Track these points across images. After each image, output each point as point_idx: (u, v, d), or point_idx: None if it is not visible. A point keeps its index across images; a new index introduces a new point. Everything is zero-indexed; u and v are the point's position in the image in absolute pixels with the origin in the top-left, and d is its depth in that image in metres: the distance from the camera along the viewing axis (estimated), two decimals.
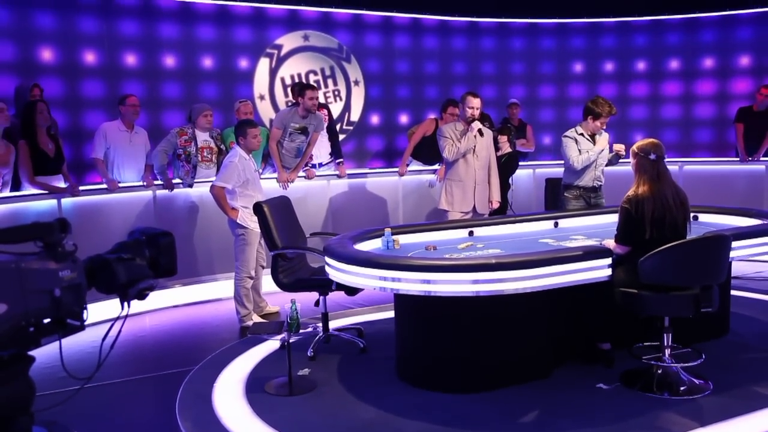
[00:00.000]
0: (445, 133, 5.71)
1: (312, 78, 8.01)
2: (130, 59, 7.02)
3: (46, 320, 1.56)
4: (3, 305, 1.46)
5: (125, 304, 1.72)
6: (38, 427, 1.65)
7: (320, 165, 7.07)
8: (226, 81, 7.59)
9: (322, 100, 7.53)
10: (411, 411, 3.59)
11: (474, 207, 5.74)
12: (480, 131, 5.68)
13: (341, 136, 7.79)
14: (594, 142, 5.34)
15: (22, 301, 1.48)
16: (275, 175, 6.52)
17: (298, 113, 6.39)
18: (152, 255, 1.78)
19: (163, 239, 1.81)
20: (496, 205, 5.90)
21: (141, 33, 7.05)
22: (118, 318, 1.72)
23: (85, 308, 1.62)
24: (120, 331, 1.73)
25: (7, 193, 5.45)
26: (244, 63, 7.72)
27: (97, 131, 6.07)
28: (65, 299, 1.55)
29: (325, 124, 6.94)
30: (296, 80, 7.79)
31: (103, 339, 1.75)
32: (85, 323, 1.63)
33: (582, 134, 5.35)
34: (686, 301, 3.62)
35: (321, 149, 7.04)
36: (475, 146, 5.67)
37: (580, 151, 5.30)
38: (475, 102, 5.63)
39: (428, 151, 7.14)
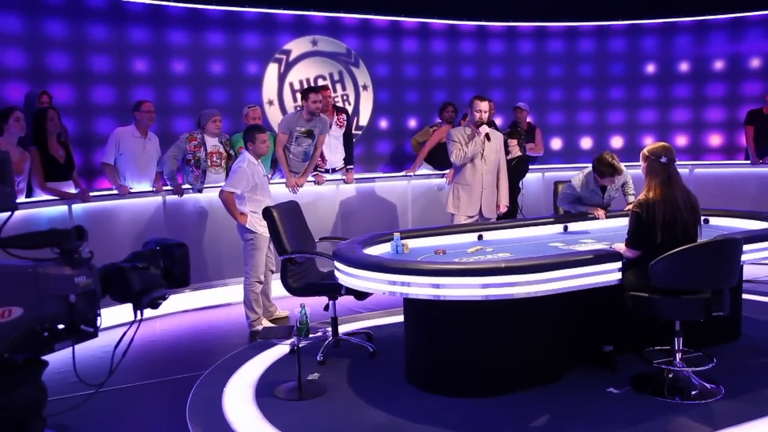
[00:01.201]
0: (453, 137, 5.71)
1: (320, 83, 8.01)
2: (140, 65, 7.06)
3: (61, 326, 1.57)
4: (19, 309, 1.48)
5: (138, 312, 1.73)
6: (49, 430, 1.67)
7: (333, 170, 7.03)
8: (235, 86, 7.62)
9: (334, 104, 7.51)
10: (421, 415, 3.59)
11: (480, 211, 5.73)
12: (488, 135, 5.67)
13: None
14: (603, 193, 5.15)
15: (38, 305, 1.50)
16: (285, 180, 6.52)
17: (302, 117, 6.36)
18: (166, 265, 1.80)
19: (178, 250, 1.83)
20: (503, 209, 5.88)
21: (150, 39, 7.10)
22: (131, 325, 1.73)
23: (99, 315, 1.64)
24: (132, 339, 1.75)
25: (22, 199, 5.48)
26: (252, 68, 7.75)
27: (111, 136, 6.05)
28: (79, 305, 1.57)
29: (342, 130, 6.92)
30: (305, 85, 7.80)
31: (116, 347, 1.77)
32: (99, 330, 1.65)
33: (593, 190, 5.10)
34: (697, 305, 3.60)
35: (336, 155, 6.99)
36: (483, 150, 5.67)
37: (579, 200, 5.18)
38: (483, 106, 5.62)
39: (439, 157, 7.11)
